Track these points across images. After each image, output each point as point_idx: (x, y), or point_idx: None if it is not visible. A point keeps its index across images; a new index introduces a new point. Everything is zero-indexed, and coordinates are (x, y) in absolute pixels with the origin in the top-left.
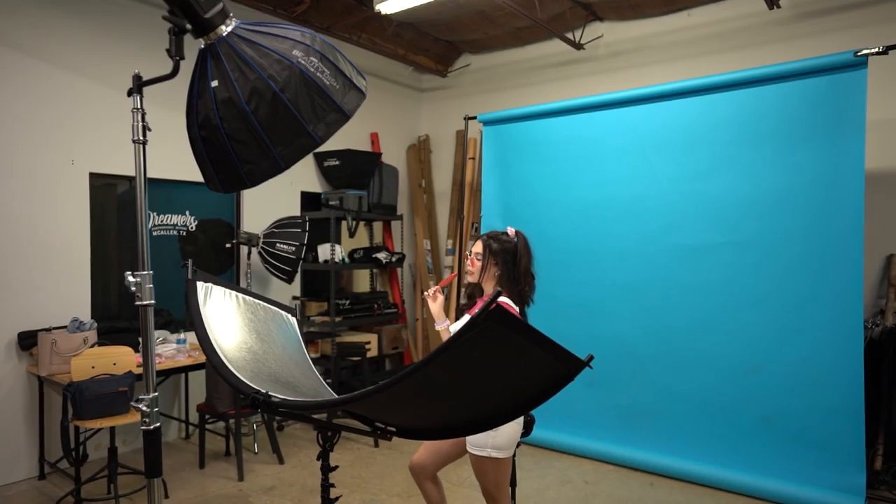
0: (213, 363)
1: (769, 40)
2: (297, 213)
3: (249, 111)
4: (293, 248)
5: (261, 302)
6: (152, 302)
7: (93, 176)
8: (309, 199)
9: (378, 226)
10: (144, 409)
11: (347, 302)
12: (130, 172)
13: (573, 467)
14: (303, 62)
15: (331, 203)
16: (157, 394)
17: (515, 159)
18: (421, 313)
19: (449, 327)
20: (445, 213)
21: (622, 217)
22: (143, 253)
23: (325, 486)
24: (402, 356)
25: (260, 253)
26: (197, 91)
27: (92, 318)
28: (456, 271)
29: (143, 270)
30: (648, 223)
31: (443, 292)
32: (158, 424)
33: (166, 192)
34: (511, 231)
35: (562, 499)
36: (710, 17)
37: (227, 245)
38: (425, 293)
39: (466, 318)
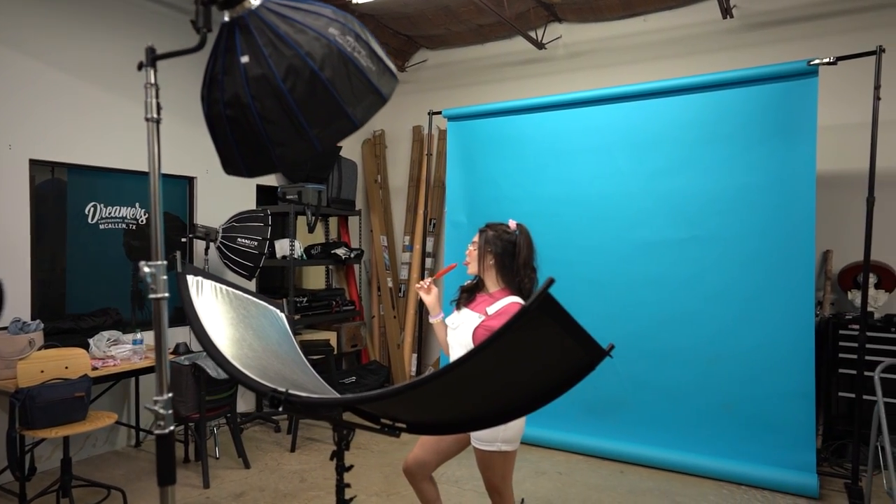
0: (217, 361)
1: (721, 48)
2: (253, 207)
3: (285, 90)
4: (255, 243)
5: (250, 297)
6: (166, 295)
7: (33, 163)
8: (265, 193)
9: (333, 221)
10: (161, 411)
11: (305, 299)
12: (76, 160)
13: (545, 459)
14: (339, 41)
15: (288, 197)
16: (171, 395)
17: (481, 155)
18: (378, 310)
19: (444, 320)
20: (401, 209)
21: (588, 213)
22: (157, 242)
23: (340, 486)
24: (360, 354)
25: (219, 248)
26: (223, 66)
27: (32, 317)
28: (452, 264)
29: (157, 260)
30: (613, 219)
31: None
32: (173, 428)
33: (114, 183)
34: (512, 224)
35: (539, 490)
36: (666, 24)
37: (183, 239)
38: (418, 284)
39: (467, 311)
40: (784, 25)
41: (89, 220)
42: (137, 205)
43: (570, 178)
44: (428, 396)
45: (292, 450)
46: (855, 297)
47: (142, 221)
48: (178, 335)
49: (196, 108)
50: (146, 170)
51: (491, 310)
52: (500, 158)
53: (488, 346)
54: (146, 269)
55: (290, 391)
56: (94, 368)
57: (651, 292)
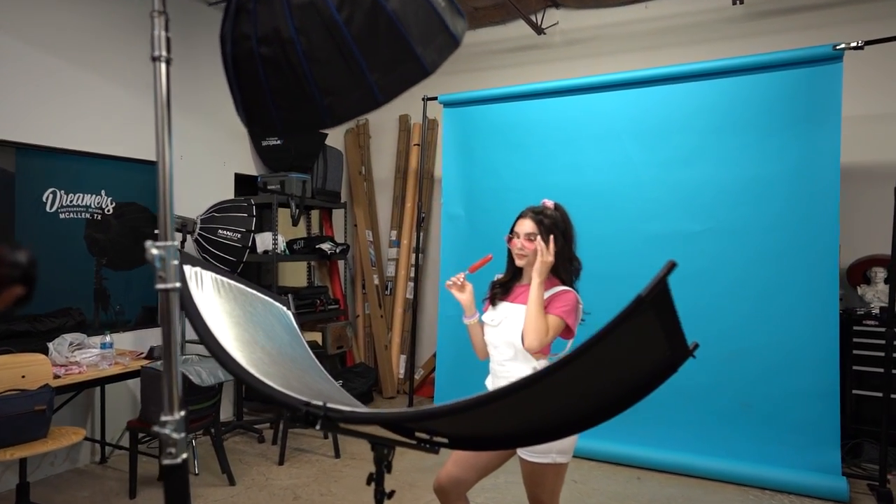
0: (231, 369)
1: (727, 37)
2: (231, 196)
3: (341, 21)
4: (238, 236)
5: (254, 291)
6: (177, 285)
7: None
8: (243, 183)
9: (315, 215)
10: (174, 435)
11: (289, 297)
12: (30, 140)
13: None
14: None
15: (269, 187)
16: (184, 413)
17: (480, 144)
18: (363, 309)
19: (479, 320)
20: (386, 203)
21: (596, 204)
22: (166, 217)
23: None
24: (345, 356)
25: (197, 241)
26: None
27: None
28: (488, 255)
29: (167, 240)
30: (623, 211)
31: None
32: (186, 456)
33: (77, 167)
34: (550, 203)
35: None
36: (668, 11)
37: (156, 231)
38: (450, 282)
39: (506, 305)
40: (797, 14)
41: (47, 208)
42: (104, 192)
43: (577, 168)
44: (504, 409)
45: (281, 462)
46: (865, 292)
47: (108, 211)
48: (150, 337)
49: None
50: (115, 153)
51: None
52: (502, 147)
53: (595, 345)
54: (154, 252)
55: (328, 404)
56: (56, 377)
57: None
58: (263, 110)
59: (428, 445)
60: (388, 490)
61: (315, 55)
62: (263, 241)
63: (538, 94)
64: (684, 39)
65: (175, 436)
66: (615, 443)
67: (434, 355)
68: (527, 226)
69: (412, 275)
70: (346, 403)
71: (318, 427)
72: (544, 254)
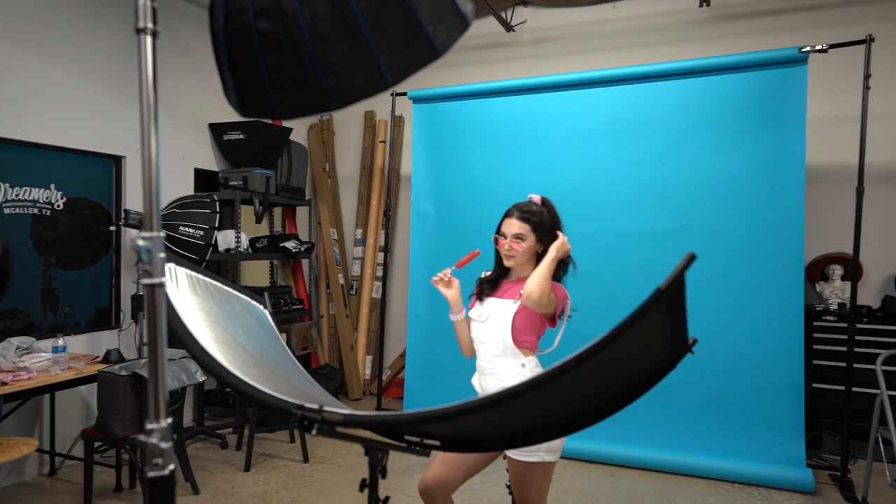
0: (215, 373)
1: (694, 38)
2: (191, 192)
3: None
4: (201, 233)
5: (230, 289)
6: (163, 280)
7: None
8: (203, 178)
9: (278, 212)
10: (162, 444)
11: (265, 296)
12: None
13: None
14: None
15: (231, 183)
16: (171, 421)
17: (451, 141)
18: (327, 309)
19: (465, 316)
20: (351, 200)
21: (569, 203)
22: (152, 206)
23: None
24: (309, 357)
25: None
26: None
27: None
28: (475, 251)
29: (153, 231)
30: (596, 209)
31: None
32: (173, 467)
33: (24, 159)
34: (536, 198)
35: None
36: (636, 12)
37: (111, 228)
38: (436, 277)
39: (493, 301)
40: (762, 17)
41: None
42: (53, 186)
43: (549, 166)
44: (510, 410)
45: (247, 469)
46: (823, 289)
47: (58, 206)
48: (104, 341)
49: (127, 76)
50: (67, 145)
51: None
52: (473, 144)
53: (614, 341)
54: (141, 243)
55: (325, 408)
56: (3, 384)
57: (635, 285)
58: (259, 91)
59: (419, 448)
60: (382, 496)
61: (320, 31)
62: (226, 238)
63: (510, 90)
64: (651, 40)
65: (163, 445)
66: (589, 441)
67: (401, 355)
68: (514, 226)
69: (378, 274)
70: (337, 406)
71: (314, 432)
72: (564, 241)
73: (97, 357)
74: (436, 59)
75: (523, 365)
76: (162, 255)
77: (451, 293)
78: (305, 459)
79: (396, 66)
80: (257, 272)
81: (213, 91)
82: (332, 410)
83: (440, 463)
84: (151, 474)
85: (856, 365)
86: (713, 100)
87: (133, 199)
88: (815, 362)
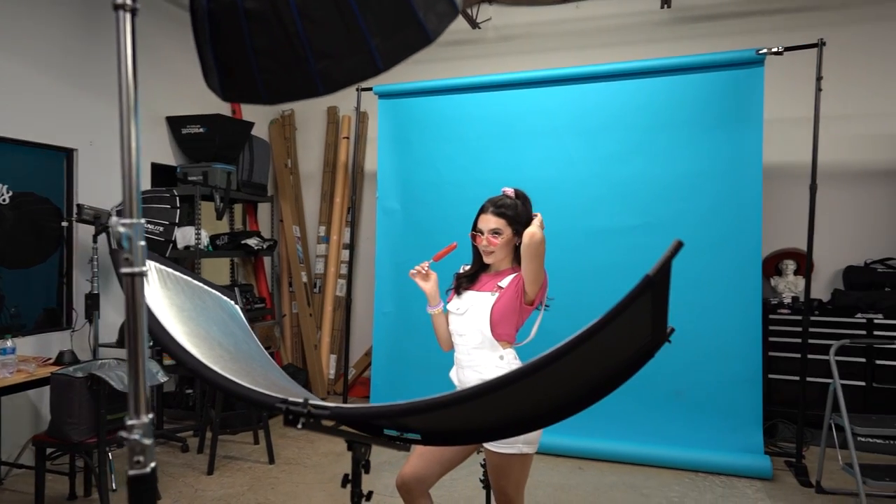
0: (192, 368)
1: (655, 39)
2: (148, 186)
3: None
4: (161, 229)
5: (202, 284)
6: (145, 269)
7: None
8: (160, 173)
9: (238, 209)
10: (144, 441)
11: (236, 291)
12: None
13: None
14: None
15: (190, 178)
16: (152, 416)
17: (417, 137)
18: (290, 308)
19: (444, 309)
20: (313, 197)
21: (536, 200)
22: (131, 191)
23: None
24: (272, 357)
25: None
26: None
27: None
28: (453, 244)
29: (132, 218)
30: (564, 206)
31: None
32: (154, 465)
33: None
34: (510, 191)
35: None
36: (599, 12)
37: (63, 223)
38: (414, 270)
39: (472, 294)
40: (721, 20)
41: None
42: None
43: (516, 163)
44: (497, 400)
45: (210, 472)
46: (777, 283)
47: (4, 201)
48: (54, 342)
49: (80, 66)
50: (14, 136)
51: (504, 283)
52: (439, 140)
53: (601, 330)
54: (121, 230)
55: (311, 401)
56: None
57: (602, 281)
58: (244, 74)
59: (400, 442)
60: (365, 491)
61: (310, 13)
62: (185, 235)
63: (476, 87)
64: (614, 40)
65: (145, 441)
66: (557, 435)
67: (366, 354)
68: (490, 222)
69: (343, 272)
70: (318, 401)
71: (299, 426)
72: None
73: (49, 359)
74: (427, 45)
75: (501, 357)
76: (142, 243)
77: (429, 286)
78: (271, 461)
79: (388, 51)
80: (217, 270)
81: (172, 83)
82: (317, 403)
83: (419, 457)
84: (133, 472)
85: (809, 356)
86: (675, 99)
87: (86, 194)
88: (771, 354)
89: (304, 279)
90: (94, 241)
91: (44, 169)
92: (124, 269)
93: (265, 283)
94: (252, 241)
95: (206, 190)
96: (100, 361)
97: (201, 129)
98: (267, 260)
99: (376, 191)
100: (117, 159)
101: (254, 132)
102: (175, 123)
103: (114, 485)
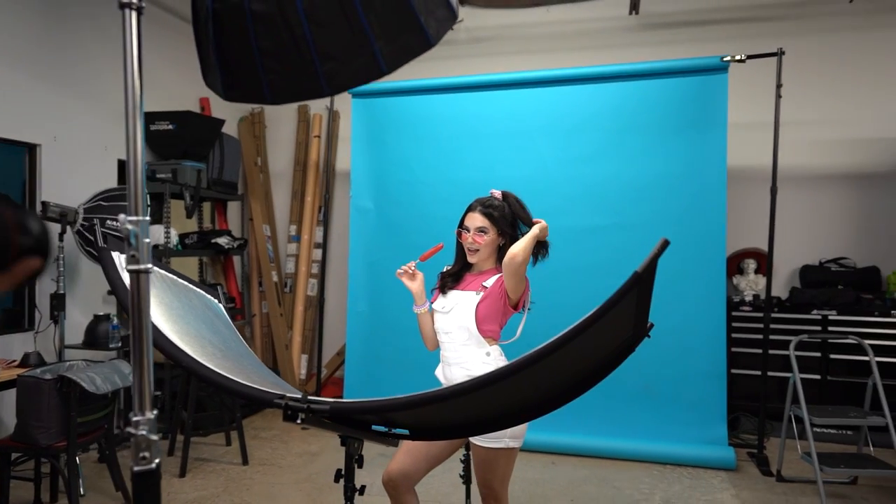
0: (185, 365)
1: (621, 44)
2: (114, 184)
3: None
4: None
5: (185, 283)
6: (150, 266)
7: None
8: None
9: (207, 207)
10: (151, 436)
11: (218, 289)
12: None
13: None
14: None
15: (159, 176)
16: (156, 412)
17: (392, 136)
18: (260, 308)
19: (429, 309)
20: (284, 196)
21: None
22: (137, 188)
23: None
24: None
25: (79, 232)
26: None
27: None
28: (439, 244)
29: (138, 215)
30: (536, 206)
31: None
32: (159, 461)
33: None
34: (497, 193)
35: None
36: (569, 16)
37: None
38: (401, 270)
39: (456, 293)
40: (686, 27)
41: None
42: None
43: (489, 163)
44: (492, 393)
45: (182, 475)
46: (739, 282)
47: None
48: (13, 345)
49: (45, 59)
50: None
51: (488, 283)
52: (413, 140)
53: (592, 325)
54: (129, 226)
55: (310, 396)
56: None
57: (573, 280)
58: (249, 74)
59: (388, 437)
60: (358, 486)
61: (317, 15)
62: (154, 234)
63: (449, 88)
64: (584, 44)
65: (152, 437)
66: (529, 431)
67: (338, 353)
68: (477, 220)
69: (314, 271)
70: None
71: (298, 421)
72: (545, 225)
73: (13, 361)
74: (428, 48)
75: (488, 354)
76: (147, 240)
77: (415, 285)
78: (245, 462)
79: (391, 55)
80: (185, 270)
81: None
82: (316, 399)
83: (405, 454)
84: (138, 468)
85: (770, 351)
86: (643, 103)
87: (51, 191)
88: (733, 349)
89: (275, 279)
90: (60, 239)
91: (2, 165)
92: (130, 266)
93: (235, 282)
94: (223, 240)
95: (176, 188)
96: (68, 363)
97: (170, 126)
98: (236, 259)
99: (349, 190)
100: (82, 155)
101: (224, 129)
102: (143, 119)
103: (82, 490)
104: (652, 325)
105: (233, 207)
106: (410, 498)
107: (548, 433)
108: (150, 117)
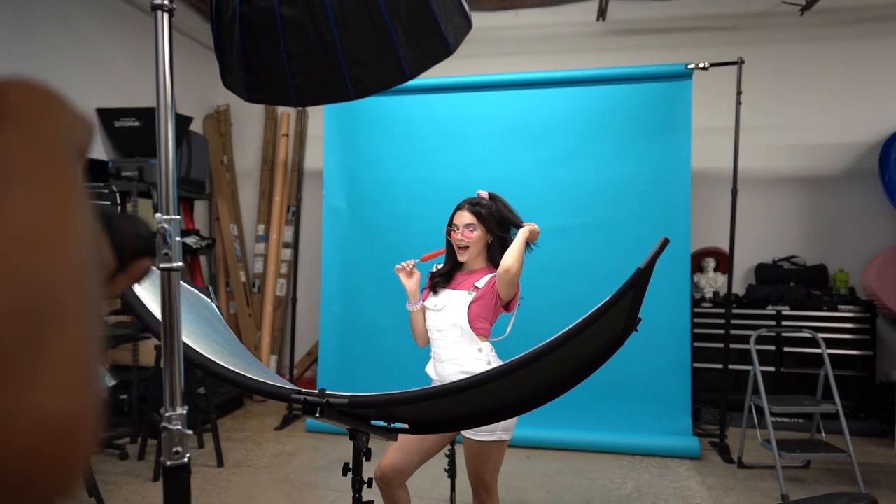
0: (199, 364)
1: (587, 49)
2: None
3: None
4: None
5: (182, 283)
6: (180, 265)
7: None
8: (90, 168)
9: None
10: (186, 430)
11: (209, 289)
12: None
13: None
14: None
15: (124, 174)
16: (187, 408)
17: (365, 136)
18: (227, 308)
19: (422, 306)
20: (251, 195)
21: None
22: (168, 187)
23: (359, 503)
24: None
25: None
26: None
27: None
28: (442, 249)
29: (171, 214)
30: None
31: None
32: (189, 456)
33: None
34: (484, 194)
35: (459, 486)
36: (537, 21)
37: None
38: (400, 266)
39: (448, 292)
40: (652, 34)
41: None
42: None
43: (462, 164)
44: (504, 385)
45: (155, 479)
46: (699, 279)
47: None
48: None
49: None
50: None
51: (480, 283)
52: (387, 140)
53: (598, 319)
54: (164, 225)
55: (328, 391)
56: None
57: (544, 278)
58: (275, 77)
59: (387, 432)
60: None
61: (346, 21)
62: None
63: (422, 89)
64: (552, 48)
65: (186, 431)
66: None
67: (308, 353)
68: (465, 217)
69: (283, 271)
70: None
71: (317, 415)
72: (531, 225)
73: None
74: (448, 55)
75: (480, 350)
76: (178, 239)
77: (411, 283)
78: (220, 464)
79: (414, 61)
80: None
81: (103, 72)
82: (335, 393)
83: (397, 449)
84: (171, 463)
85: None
86: (611, 107)
87: None
88: (695, 344)
89: (243, 279)
90: None
91: None
92: (162, 265)
93: (202, 282)
94: (190, 240)
95: (143, 186)
96: None
97: (136, 123)
98: (203, 259)
99: (320, 189)
100: None
101: (192, 127)
102: (107, 116)
103: None
104: (640, 320)
105: (200, 207)
106: (402, 493)
107: (522, 428)
108: (113, 113)
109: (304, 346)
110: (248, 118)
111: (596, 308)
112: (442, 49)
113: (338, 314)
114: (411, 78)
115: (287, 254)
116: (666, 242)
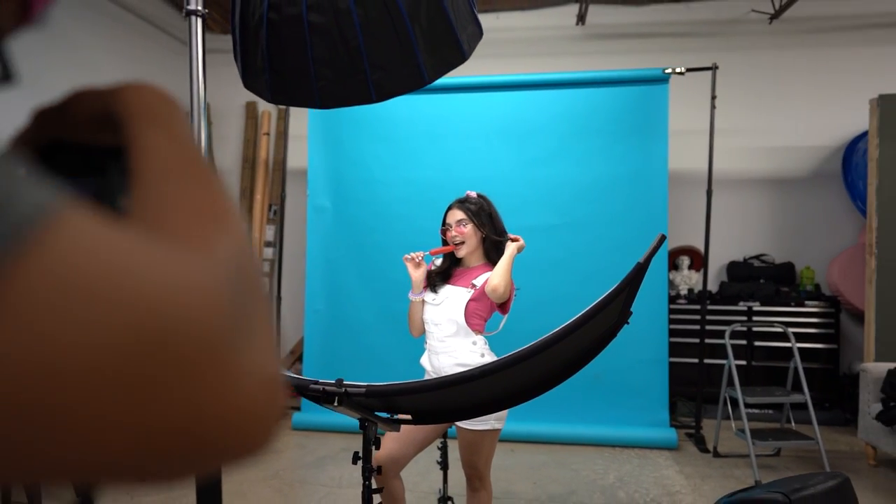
0: None
1: (567, 52)
2: None
3: None
4: None
5: None
6: None
7: None
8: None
9: None
10: None
11: None
12: None
13: (430, 451)
14: None
15: None
16: None
17: (349, 136)
18: None
19: (424, 299)
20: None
21: None
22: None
23: (369, 490)
24: None
25: None
26: None
27: None
28: (450, 246)
29: None
30: None
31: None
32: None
33: None
34: (473, 193)
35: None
36: (517, 23)
37: None
38: (409, 256)
39: (448, 287)
40: (630, 38)
41: None
42: None
43: (446, 164)
44: (505, 377)
45: None
46: (674, 277)
47: None
48: None
49: None
50: None
51: (478, 281)
52: (371, 139)
53: (599, 312)
54: None
55: (344, 381)
56: None
57: (525, 276)
58: (300, 80)
59: (391, 423)
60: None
61: (371, 28)
62: None
63: None
64: (533, 51)
65: None
66: None
67: (291, 352)
68: (457, 214)
69: (265, 270)
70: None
71: (335, 403)
72: (518, 240)
73: None
74: (463, 62)
75: (474, 343)
76: None
77: (418, 274)
78: None
79: (432, 66)
80: None
81: (82, 69)
82: (352, 383)
83: (393, 440)
84: None
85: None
86: (591, 110)
87: None
88: (671, 340)
89: None
90: None
91: None
92: None
93: None
94: None
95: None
96: None
97: None
98: None
99: (303, 188)
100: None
101: None
102: None
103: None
104: (631, 313)
105: None
106: (397, 482)
107: (507, 423)
108: None
109: (288, 345)
110: (228, 116)
111: (599, 300)
112: (457, 55)
113: (322, 313)
114: (430, 82)
115: (269, 252)
116: (663, 239)
